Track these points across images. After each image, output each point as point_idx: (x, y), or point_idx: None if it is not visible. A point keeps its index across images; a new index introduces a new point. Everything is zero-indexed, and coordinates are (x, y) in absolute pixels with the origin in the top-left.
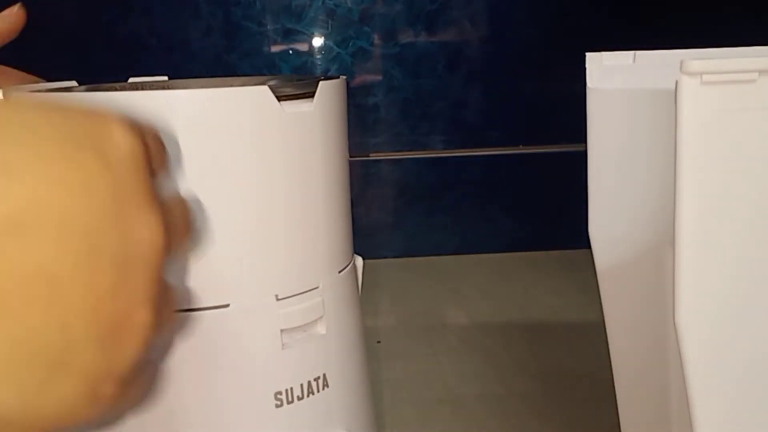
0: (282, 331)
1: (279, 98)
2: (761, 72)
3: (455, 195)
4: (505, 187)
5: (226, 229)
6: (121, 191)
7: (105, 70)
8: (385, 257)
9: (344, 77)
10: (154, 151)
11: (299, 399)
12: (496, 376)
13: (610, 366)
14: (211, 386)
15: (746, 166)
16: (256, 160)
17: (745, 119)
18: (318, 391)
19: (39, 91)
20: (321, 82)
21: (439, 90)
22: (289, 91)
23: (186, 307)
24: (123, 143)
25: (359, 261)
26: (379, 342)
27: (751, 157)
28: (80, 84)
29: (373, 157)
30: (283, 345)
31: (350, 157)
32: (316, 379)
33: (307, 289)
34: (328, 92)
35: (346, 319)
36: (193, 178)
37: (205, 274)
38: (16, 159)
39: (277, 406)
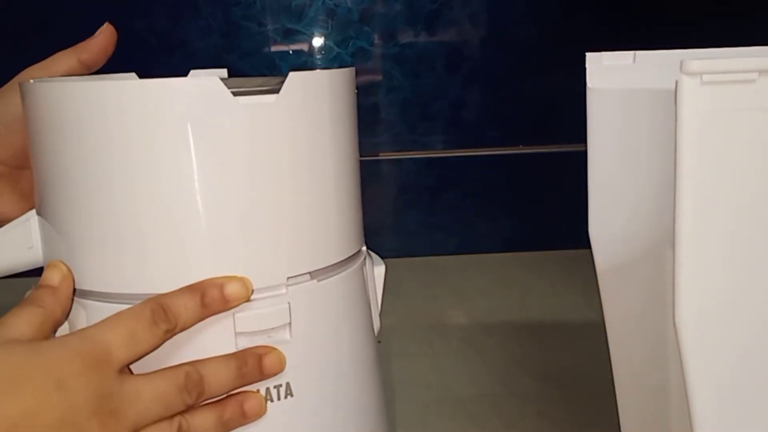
0: (237, 333)
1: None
2: (761, 72)
3: (455, 195)
4: (505, 187)
5: (199, 221)
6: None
7: (105, 70)
8: (385, 257)
9: (352, 68)
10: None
11: None
12: (496, 376)
13: (610, 366)
14: None
15: (746, 166)
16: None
17: (745, 119)
18: (278, 399)
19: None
20: (290, 73)
21: (438, 90)
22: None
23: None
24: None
25: (379, 269)
26: (379, 342)
27: (750, 157)
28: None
29: (372, 157)
30: (237, 348)
31: None
32: (277, 387)
33: (269, 294)
34: (297, 86)
35: (324, 328)
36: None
37: (172, 265)
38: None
39: None
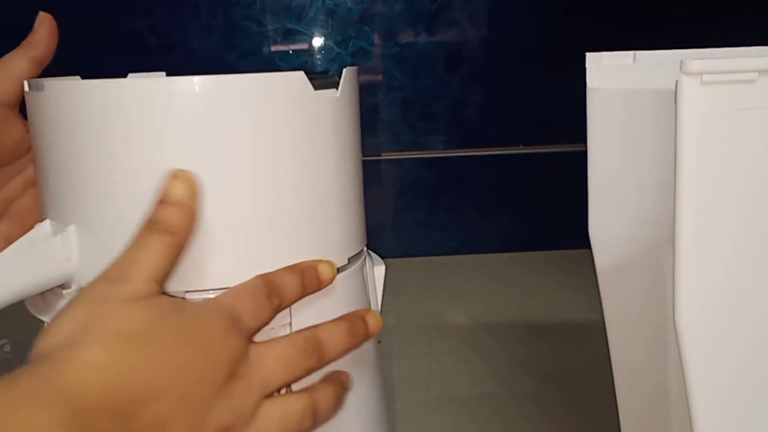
0: None
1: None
2: (761, 72)
3: (455, 195)
4: (505, 187)
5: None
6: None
7: (104, 70)
8: (385, 257)
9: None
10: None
11: None
12: (496, 376)
13: (610, 366)
14: None
15: (746, 166)
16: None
17: (745, 119)
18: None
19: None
20: (346, 69)
21: (438, 90)
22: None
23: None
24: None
25: (379, 269)
26: (379, 342)
27: (750, 157)
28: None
29: (373, 157)
30: None
31: None
32: None
33: None
34: (351, 79)
35: None
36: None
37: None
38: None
39: None
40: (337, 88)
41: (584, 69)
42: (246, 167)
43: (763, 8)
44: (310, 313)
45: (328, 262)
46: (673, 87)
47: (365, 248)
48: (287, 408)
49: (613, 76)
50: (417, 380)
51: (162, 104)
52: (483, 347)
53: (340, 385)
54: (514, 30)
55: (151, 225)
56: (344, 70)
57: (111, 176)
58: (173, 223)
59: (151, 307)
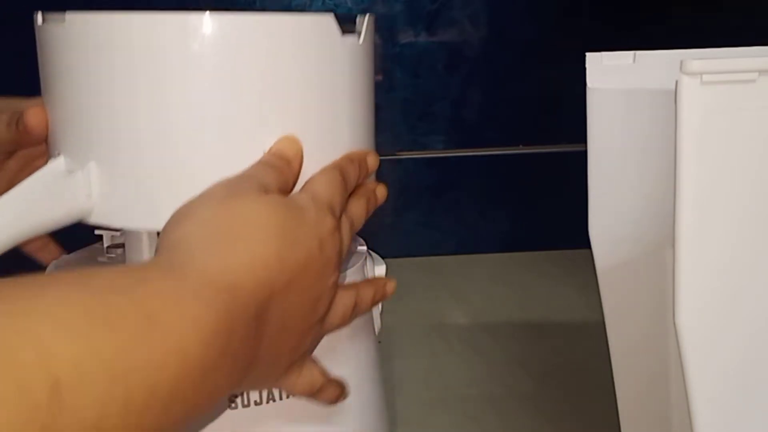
0: None
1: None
2: (761, 72)
3: (455, 195)
4: (505, 187)
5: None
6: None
7: None
8: (385, 257)
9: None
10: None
11: (257, 404)
12: (496, 376)
13: (610, 366)
14: None
15: (746, 166)
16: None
17: (745, 119)
18: (280, 399)
19: None
20: (368, 15)
21: (438, 90)
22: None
23: None
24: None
25: (380, 269)
26: (379, 342)
27: (750, 157)
28: None
29: None
30: None
31: None
32: None
33: None
34: (371, 28)
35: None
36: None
37: None
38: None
39: (231, 407)
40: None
41: (584, 69)
42: (271, 108)
43: (763, 8)
44: None
45: (374, 153)
46: (673, 87)
47: (366, 248)
48: (347, 299)
49: (613, 76)
50: (417, 380)
51: (193, 40)
52: (483, 347)
53: (375, 284)
54: (514, 30)
55: (267, 165)
56: (367, 16)
57: (135, 112)
58: (283, 169)
59: (281, 203)
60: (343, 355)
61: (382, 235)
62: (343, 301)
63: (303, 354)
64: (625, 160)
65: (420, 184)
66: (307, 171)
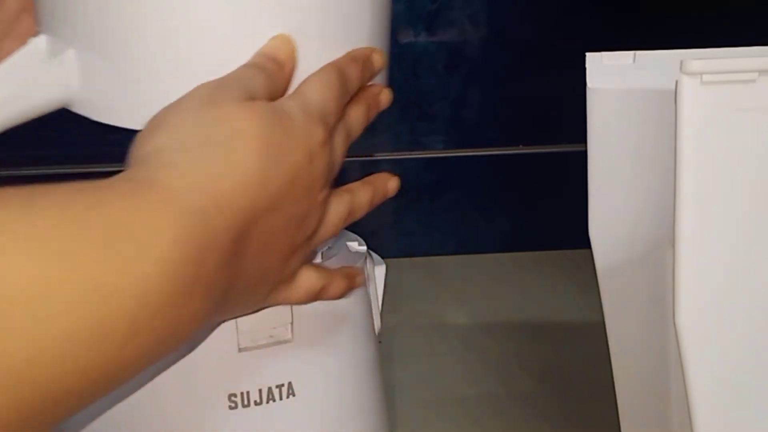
0: (240, 332)
1: None
2: (761, 72)
3: (455, 195)
4: (505, 187)
5: None
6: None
7: None
8: (385, 257)
9: None
10: None
11: (257, 404)
12: (496, 376)
13: (610, 366)
14: (160, 379)
15: (746, 166)
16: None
17: (745, 119)
18: (280, 399)
19: None
20: None
21: (439, 90)
22: None
23: None
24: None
25: (380, 269)
26: (380, 342)
27: (750, 157)
28: None
29: (373, 157)
30: (240, 347)
31: (349, 157)
32: (279, 386)
33: None
34: None
35: (325, 327)
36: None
37: None
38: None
39: (230, 407)
40: None
41: (584, 69)
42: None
43: (763, 8)
44: (311, 313)
45: (380, 52)
46: (673, 87)
47: (366, 248)
48: (340, 207)
49: (613, 76)
50: (417, 380)
51: None
52: (483, 347)
53: (374, 183)
54: (514, 30)
55: (255, 67)
56: None
57: None
58: (274, 74)
59: (267, 111)
60: (344, 355)
61: (382, 235)
62: (336, 210)
63: (291, 271)
64: (625, 160)
65: (420, 184)
66: (309, 67)
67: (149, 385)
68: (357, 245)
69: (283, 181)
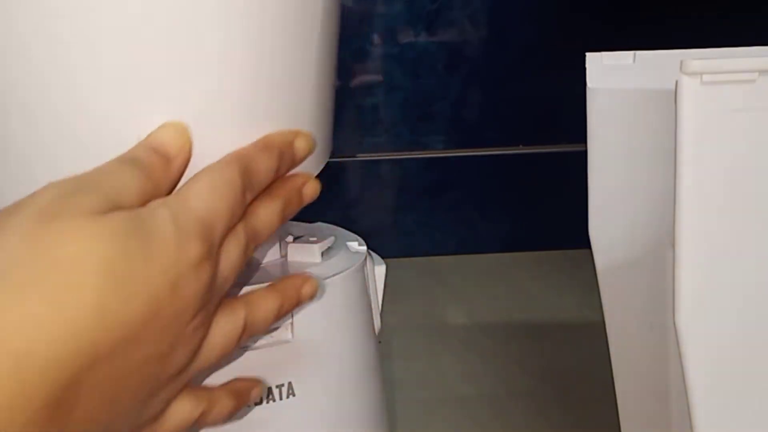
0: None
1: None
2: (761, 72)
3: (455, 195)
4: (505, 187)
5: None
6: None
7: None
8: (385, 257)
9: None
10: None
11: (257, 404)
12: (496, 376)
13: (610, 366)
14: None
15: (746, 166)
16: None
17: (745, 119)
18: (280, 399)
19: None
20: None
21: (438, 90)
22: None
23: None
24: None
25: (380, 269)
26: (380, 342)
27: (751, 157)
28: None
29: (373, 157)
30: (239, 347)
31: (349, 157)
32: (279, 386)
33: None
34: None
35: (325, 327)
36: None
37: None
38: None
39: None
40: None
41: (584, 69)
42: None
43: (763, 8)
44: (311, 313)
45: (305, 136)
46: (673, 87)
47: (366, 248)
48: (229, 325)
49: (613, 76)
50: (417, 380)
51: None
52: (483, 347)
53: (283, 290)
54: (514, 30)
55: (133, 163)
56: None
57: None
58: (155, 172)
59: (120, 228)
60: (343, 355)
61: (382, 235)
62: (224, 330)
63: (158, 409)
64: (625, 160)
65: (420, 184)
66: (214, 154)
67: None
68: (357, 245)
69: (134, 316)
